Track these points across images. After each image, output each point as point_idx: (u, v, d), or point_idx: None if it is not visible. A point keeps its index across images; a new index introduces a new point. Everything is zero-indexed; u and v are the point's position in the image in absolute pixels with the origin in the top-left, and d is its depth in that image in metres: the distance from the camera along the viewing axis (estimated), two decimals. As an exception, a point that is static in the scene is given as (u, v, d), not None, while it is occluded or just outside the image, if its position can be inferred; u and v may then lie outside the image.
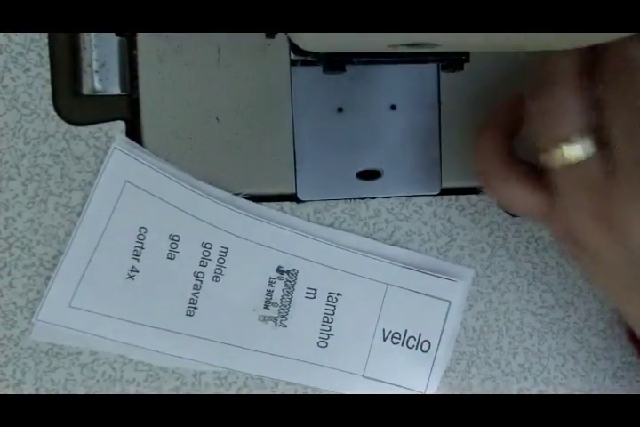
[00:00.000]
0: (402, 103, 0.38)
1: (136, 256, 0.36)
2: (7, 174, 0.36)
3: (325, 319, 0.38)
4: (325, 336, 0.38)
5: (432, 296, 0.38)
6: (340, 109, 0.38)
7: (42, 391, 0.37)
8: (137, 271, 0.36)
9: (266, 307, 0.37)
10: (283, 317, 0.38)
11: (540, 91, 0.29)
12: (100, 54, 0.36)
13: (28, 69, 0.36)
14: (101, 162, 0.36)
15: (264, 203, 0.38)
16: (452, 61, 0.32)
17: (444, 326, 0.39)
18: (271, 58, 0.37)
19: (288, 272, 0.38)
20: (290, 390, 0.38)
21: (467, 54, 0.32)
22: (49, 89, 0.36)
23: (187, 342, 0.37)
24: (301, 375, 0.38)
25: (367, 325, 0.38)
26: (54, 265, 0.36)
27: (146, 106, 0.36)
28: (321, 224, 0.38)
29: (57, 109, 0.36)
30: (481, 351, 0.40)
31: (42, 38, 0.36)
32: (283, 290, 0.38)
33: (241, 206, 0.37)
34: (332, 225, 0.39)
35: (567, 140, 0.28)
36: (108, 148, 0.36)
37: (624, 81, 0.27)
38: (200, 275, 0.37)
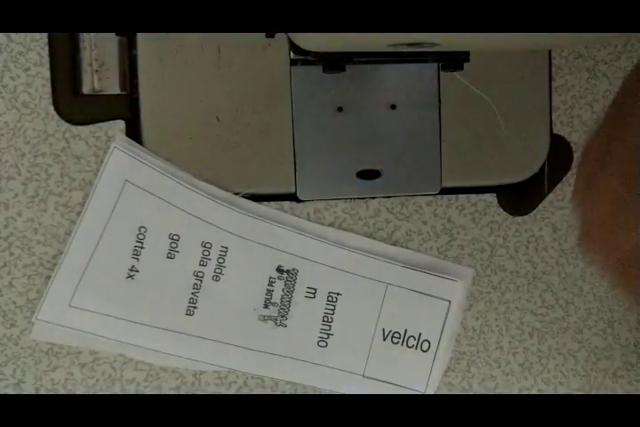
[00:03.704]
0: (402, 103, 0.38)
1: (136, 256, 0.36)
2: (7, 174, 0.36)
3: (325, 319, 0.38)
4: (325, 336, 0.38)
5: (432, 296, 0.38)
6: (340, 109, 0.38)
7: (42, 391, 0.37)
8: (137, 271, 0.36)
9: (266, 307, 0.37)
10: (283, 316, 0.38)
11: None
12: (99, 54, 0.36)
13: (27, 69, 0.36)
14: (101, 161, 0.36)
15: (264, 202, 0.38)
16: (452, 61, 0.32)
17: (443, 326, 0.39)
18: (271, 58, 0.37)
19: (288, 272, 0.38)
20: (290, 390, 0.38)
21: (467, 54, 0.32)
22: (49, 88, 0.36)
23: (187, 342, 0.37)
24: (301, 375, 0.38)
25: (367, 324, 0.38)
26: (54, 265, 0.36)
27: (146, 106, 0.36)
28: (321, 224, 0.38)
29: (57, 109, 0.36)
30: (481, 351, 0.40)
31: (42, 38, 0.36)
32: (283, 290, 0.38)
33: (241, 206, 0.37)
34: (331, 225, 0.39)
35: None
36: (108, 147, 0.36)
37: None
38: (200, 274, 0.37)
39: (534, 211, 0.40)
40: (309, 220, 0.38)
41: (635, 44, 0.40)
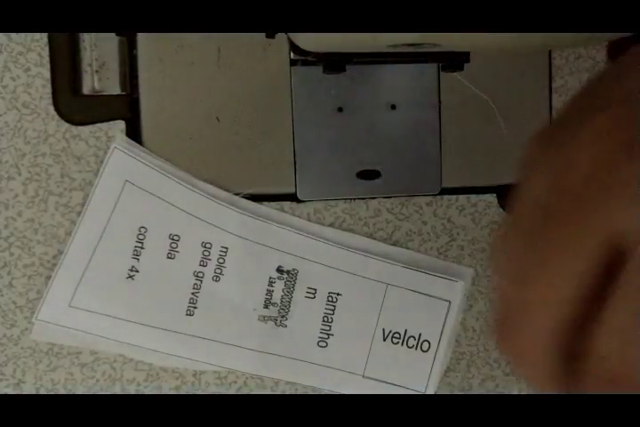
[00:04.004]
0: (402, 103, 0.38)
1: (136, 256, 0.36)
2: (7, 174, 0.36)
3: (325, 319, 0.38)
4: (325, 336, 0.38)
5: (432, 296, 0.38)
6: (340, 109, 0.38)
7: (42, 391, 0.37)
8: (137, 271, 0.36)
9: (266, 307, 0.37)
10: (283, 316, 0.38)
11: None
12: (99, 54, 0.36)
13: (28, 69, 0.36)
14: (101, 162, 0.36)
15: (264, 203, 0.38)
16: (452, 62, 0.32)
17: (443, 326, 0.39)
18: (271, 58, 0.37)
19: (288, 272, 0.38)
20: (290, 390, 0.38)
21: (467, 54, 0.32)
22: (49, 89, 0.36)
23: (187, 342, 0.37)
24: (301, 375, 0.38)
25: (367, 325, 0.38)
26: (54, 265, 0.36)
27: (146, 106, 0.36)
28: (321, 224, 0.38)
29: (57, 109, 0.36)
30: (481, 351, 0.40)
31: (42, 38, 0.36)
32: (283, 290, 0.38)
33: (241, 206, 0.37)
34: (332, 225, 0.39)
35: None
36: (108, 147, 0.36)
37: None
38: (200, 275, 0.37)
39: (534, 211, 0.40)
40: (309, 220, 0.38)
41: (635, 45, 0.40)
